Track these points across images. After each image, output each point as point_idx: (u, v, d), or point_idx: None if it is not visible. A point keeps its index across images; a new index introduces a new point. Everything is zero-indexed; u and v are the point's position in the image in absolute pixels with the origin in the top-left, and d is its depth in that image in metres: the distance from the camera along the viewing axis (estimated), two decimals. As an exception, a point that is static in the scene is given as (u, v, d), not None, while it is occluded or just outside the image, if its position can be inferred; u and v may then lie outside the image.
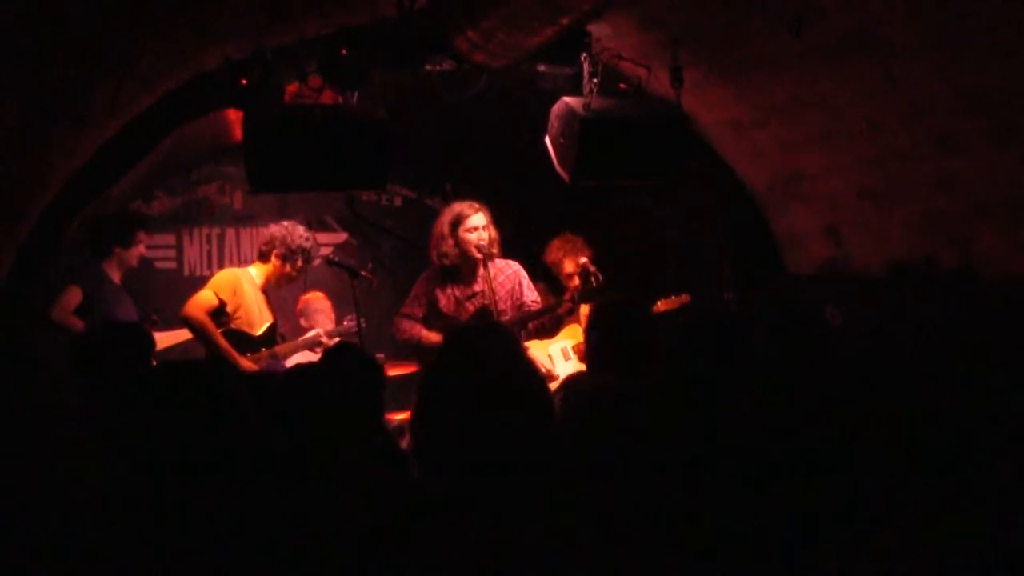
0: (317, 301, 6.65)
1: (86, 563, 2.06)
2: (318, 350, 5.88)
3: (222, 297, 5.47)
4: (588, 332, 3.70)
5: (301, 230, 5.77)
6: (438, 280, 5.66)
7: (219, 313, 5.47)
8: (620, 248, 6.89)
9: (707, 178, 6.19)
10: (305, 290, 6.72)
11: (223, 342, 5.41)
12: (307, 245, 5.75)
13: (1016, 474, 2.00)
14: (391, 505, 2.23)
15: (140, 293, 6.02)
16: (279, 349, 5.69)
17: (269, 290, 5.80)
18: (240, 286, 5.57)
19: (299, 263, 5.73)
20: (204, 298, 5.46)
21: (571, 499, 2.07)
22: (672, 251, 6.87)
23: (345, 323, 6.14)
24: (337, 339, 5.88)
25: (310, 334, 5.97)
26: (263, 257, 5.75)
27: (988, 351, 4.41)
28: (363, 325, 5.68)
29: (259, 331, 5.60)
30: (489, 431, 1.92)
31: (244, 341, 5.52)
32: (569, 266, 6.11)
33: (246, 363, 5.46)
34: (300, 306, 6.66)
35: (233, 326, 5.51)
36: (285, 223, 5.81)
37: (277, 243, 5.68)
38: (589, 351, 3.68)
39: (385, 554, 2.01)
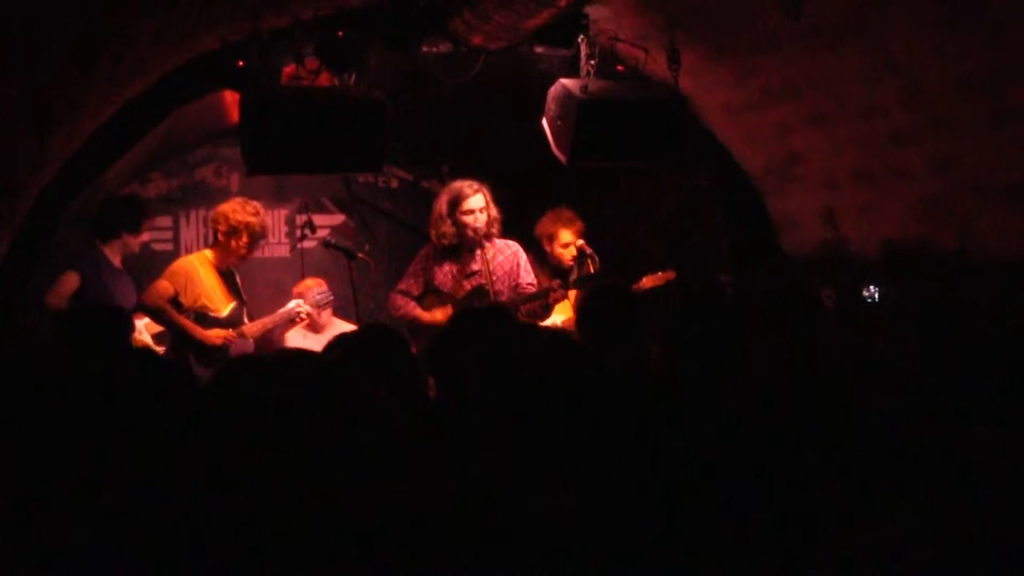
0: (316, 286, 6.61)
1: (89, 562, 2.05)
2: (299, 322, 5.91)
3: (176, 288, 5.42)
4: (578, 320, 3.70)
5: (252, 207, 5.51)
6: (436, 256, 5.65)
7: (176, 303, 5.42)
8: (616, 230, 6.89)
9: (704, 160, 6.19)
10: (303, 276, 6.69)
11: (185, 321, 5.38)
12: (253, 221, 5.44)
13: (1014, 464, 2.00)
14: None
15: (137, 275, 6.01)
16: (246, 329, 5.63)
17: (227, 270, 5.64)
18: (195, 274, 5.48)
19: (244, 240, 5.47)
20: (161, 287, 5.43)
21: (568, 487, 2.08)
22: (669, 233, 6.88)
23: (317, 296, 6.04)
24: (318, 309, 5.98)
25: (290, 304, 5.86)
26: (213, 236, 5.62)
27: (983, 334, 4.41)
28: (332, 298, 5.95)
29: (224, 313, 5.54)
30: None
31: (210, 323, 5.48)
32: (565, 236, 6.01)
33: (212, 336, 5.40)
34: (297, 293, 6.61)
35: (196, 309, 5.46)
36: (238, 199, 5.65)
37: (220, 219, 5.48)
38: (581, 340, 3.68)
39: None
